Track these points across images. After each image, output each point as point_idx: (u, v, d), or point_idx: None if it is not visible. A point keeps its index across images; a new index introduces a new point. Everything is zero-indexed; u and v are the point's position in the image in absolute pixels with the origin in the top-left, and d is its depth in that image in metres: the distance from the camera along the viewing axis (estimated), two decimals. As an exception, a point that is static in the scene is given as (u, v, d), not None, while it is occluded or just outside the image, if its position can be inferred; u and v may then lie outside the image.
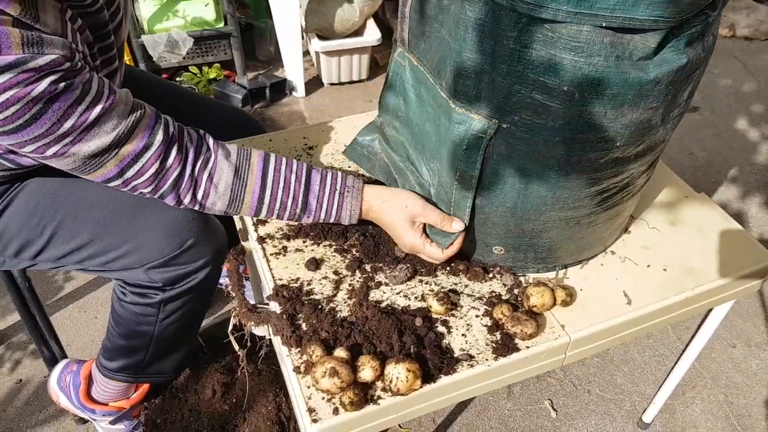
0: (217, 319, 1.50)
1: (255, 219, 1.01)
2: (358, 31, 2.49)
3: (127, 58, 2.33)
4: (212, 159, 0.86)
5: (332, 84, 2.57)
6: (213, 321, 1.48)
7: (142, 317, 1.06)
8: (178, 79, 2.49)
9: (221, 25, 2.41)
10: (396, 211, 0.90)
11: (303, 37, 2.46)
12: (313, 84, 2.57)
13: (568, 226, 0.86)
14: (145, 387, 1.27)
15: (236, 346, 1.02)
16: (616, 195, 0.85)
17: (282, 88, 2.50)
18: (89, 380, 1.23)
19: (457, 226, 0.88)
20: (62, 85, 0.72)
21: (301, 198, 0.90)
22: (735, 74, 2.56)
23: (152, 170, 0.83)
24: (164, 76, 2.49)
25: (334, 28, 2.41)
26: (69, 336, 1.60)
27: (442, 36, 0.76)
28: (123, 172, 0.82)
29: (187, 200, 0.87)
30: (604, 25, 0.62)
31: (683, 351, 1.21)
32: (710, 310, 1.07)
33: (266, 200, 0.89)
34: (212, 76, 2.49)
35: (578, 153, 0.75)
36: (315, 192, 0.91)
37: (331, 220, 0.93)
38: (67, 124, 0.74)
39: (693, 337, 1.16)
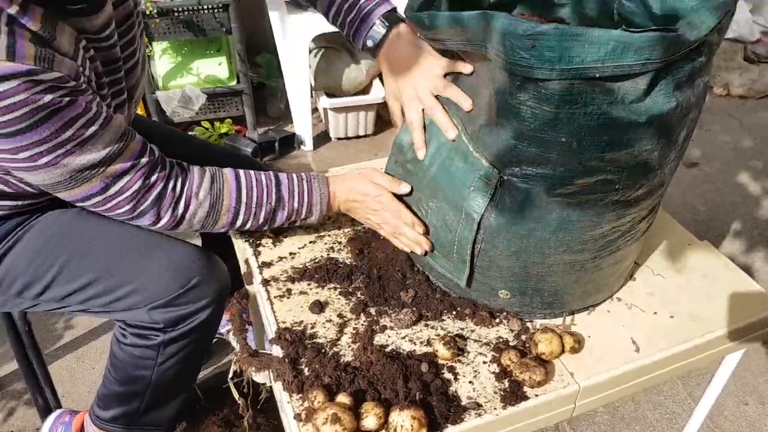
0: (216, 370, 1.47)
1: (235, 231, 1.06)
2: (365, 90, 2.57)
3: (141, 112, 2.40)
4: (190, 173, 0.93)
5: (339, 138, 2.63)
6: (211, 372, 1.45)
7: (141, 360, 1.04)
8: (190, 133, 2.56)
9: (234, 83, 2.49)
10: (355, 174, 1.02)
11: (312, 95, 2.54)
12: (321, 138, 2.63)
13: (573, 270, 0.86)
14: (139, 440, 1.23)
15: (236, 394, 1.00)
16: (619, 239, 0.85)
17: (291, 142, 2.56)
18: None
19: (405, 188, 0.96)
20: (66, 100, 0.78)
21: (274, 190, 0.97)
22: (732, 131, 2.61)
23: (135, 187, 0.87)
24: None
25: (342, 87, 2.49)
26: (65, 386, 1.57)
27: (475, 88, 0.80)
28: (107, 188, 0.86)
29: (166, 216, 0.91)
30: (596, 76, 0.64)
31: (695, 409, 1.18)
32: (720, 362, 1.05)
33: (243, 198, 0.95)
34: (224, 130, 2.55)
35: (578, 197, 0.76)
36: (285, 183, 0.98)
37: (304, 210, 0.99)
38: (64, 135, 0.79)
39: (705, 393, 1.13)
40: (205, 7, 2.26)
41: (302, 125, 2.53)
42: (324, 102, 2.44)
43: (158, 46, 2.42)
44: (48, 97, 0.76)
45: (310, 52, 2.47)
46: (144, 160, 0.88)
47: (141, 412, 1.12)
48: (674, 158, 0.79)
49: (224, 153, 1.32)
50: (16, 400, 1.55)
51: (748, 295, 0.97)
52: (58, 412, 1.28)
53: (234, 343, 1.60)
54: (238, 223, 0.97)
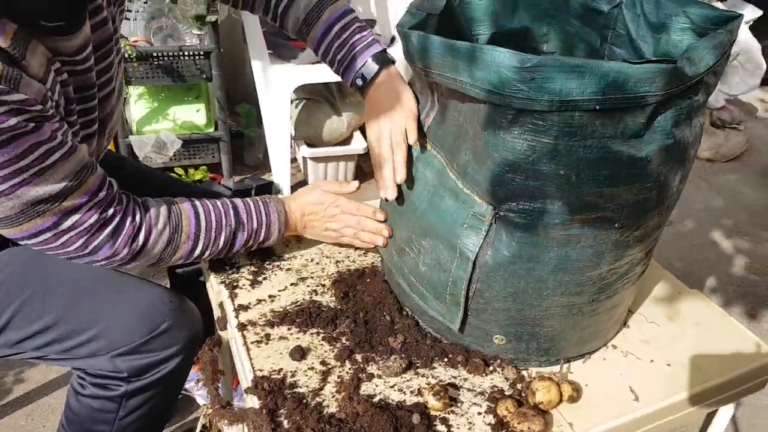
0: (182, 428, 1.37)
1: (209, 271, 1.02)
2: (345, 141, 2.58)
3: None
4: (147, 204, 0.89)
5: (316, 189, 2.60)
6: (176, 429, 1.35)
7: (100, 413, 0.96)
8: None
9: (211, 129, 2.46)
10: (304, 188, 1.04)
11: (291, 145, 2.53)
12: (299, 188, 2.60)
13: (570, 314, 0.83)
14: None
15: (207, 449, 0.92)
16: (616, 282, 0.83)
17: (268, 190, 2.51)
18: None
19: (353, 185, 1.03)
20: (31, 125, 0.73)
21: (231, 213, 0.93)
22: (702, 192, 2.69)
23: (91, 221, 0.81)
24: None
25: (323, 138, 2.49)
26: (13, 446, 1.44)
27: (460, 123, 0.77)
28: (59, 223, 0.79)
29: (124, 251, 0.85)
30: (597, 108, 0.63)
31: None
32: (709, 420, 1.02)
33: (203, 224, 0.91)
34: (198, 177, 2.50)
35: (577, 234, 0.74)
36: (241, 207, 0.95)
37: (263, 231, 0.96)
38: (23, 162, 0.73)
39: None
40: (186, 53, 2.26)
41: (281, 174, 2.50)
42: (304, 151, 2.43)
43: (135, 91, 2.40)
44: (11, 121, 0.70)
45: (292, 102, 2.48)
46: (101, 194, 0.82)
47: (97, 473, 1.02)
48: (672, 198, 0.78)
49: (205, 193, 1.27)
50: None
51: (743, 343, 0.95)
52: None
53: (199, 400, 1.51)
54: (197, 251, 0.92)
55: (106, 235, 0.83)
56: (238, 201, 0.96)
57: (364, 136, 2.53)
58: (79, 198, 0.79)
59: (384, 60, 0.99)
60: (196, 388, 1.46)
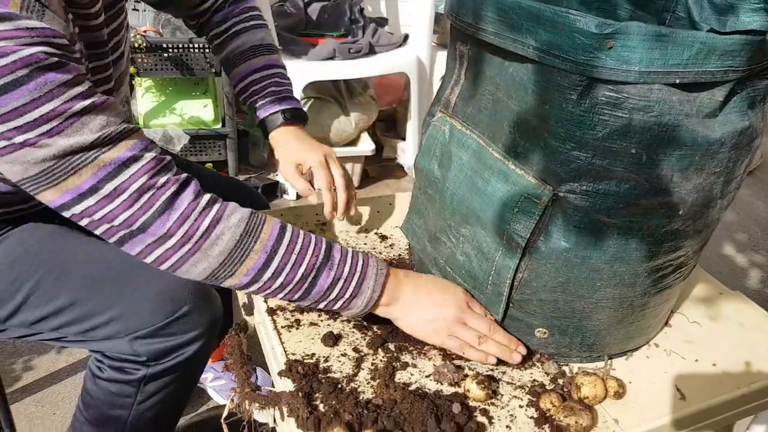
0: (194, 419, 1.32)
1: (265, 290, 0.79)
2: (352, 143, 2.55)
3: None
4: (220, 201, 0.74)
5: (323, 190, 2.57)
6: (189, 421, 1.30)
7: (118, 398, 0.91)
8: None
9: (219, 126, 2.43)
10: (434, 278, 0.86)
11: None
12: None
13: (621, 307, 0.79)
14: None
15: (230, 437, 0.87)
16: (670, 275, 0.79)
17: (274, 190, 2.48)
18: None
19: (518, 356, 0.81)
20: (55, 59, 0.63)
21: (323, 247, 0.78)
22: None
23: (137, 185, 0.68)
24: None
25: (330, 138, 2.46)
26: (22, 433, 1.38)
27: (498, 97, 0.74)
28: (99, 185, 0.67)
29: (179, 231, 0.69)
30: (677, 81, 0.60)
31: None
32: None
33: (285, 239, 0.75)
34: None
35: (640, 221, 0.70)
36: (337, 246, 0.80)
37: (354, 280, 0.78)
38: (49, 105, 0.63)
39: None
40: (196, 46, 2.23)
41: (287, 174, 2.47)
42: (312, 151, 2.39)
43: (143, 84, 2.36)
44: (32, 50, 0.60)
45: (300, 101, 2.45)
46: (149, 155, 0.70)
47: (112, 458, 0.97)
48: (733, 190, 0.75)
49: (234, 186, 1.24)
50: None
51: (788, 346, 0.92)
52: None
53: (211, 392, 1.46)
54: (269, 271, 0.74)
55: (158, 207, 0.69)
56: (336, 243, 0.81)
57: (372, 137, 2.54)
58: (121, 153, 0.68)
59: (289, 117, 1.03)
60: (208, 380, 1.41)
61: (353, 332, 0.87)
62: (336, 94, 2.47)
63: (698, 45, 0.57)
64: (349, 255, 0.80)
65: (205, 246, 0.71)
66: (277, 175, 2.54)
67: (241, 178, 2.53)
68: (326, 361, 0.81)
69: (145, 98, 2.37)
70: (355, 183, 2.58)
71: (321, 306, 0.80)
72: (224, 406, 1.02)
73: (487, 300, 0.83)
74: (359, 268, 0.79)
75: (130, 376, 0.90)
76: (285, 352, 0.82)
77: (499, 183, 0.75)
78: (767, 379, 0.85)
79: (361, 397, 0.75)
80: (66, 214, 0.70)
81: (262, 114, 1.03)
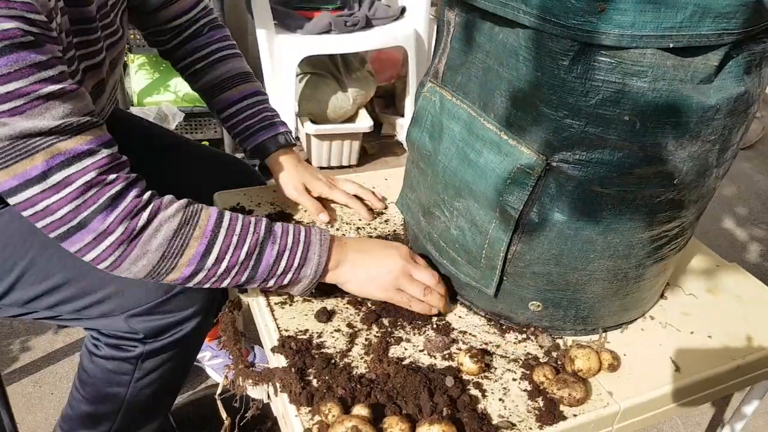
0: (191, 398, 1.33)
1: (210, 279, 0.77)
2: (350, 119, 2.52)
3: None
4: (158, 197, 0.74)
5: (322, 167, 2.55)
6: (186, 399, 1.31)
7: (115, 375, 0.91)
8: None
9: (214, 103, 2.40)
10: (379, 242, 0.87)
11: (295, 122, 2.47)
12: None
13: (615, 279, 0.78)
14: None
15: (224, 413, 0.87)
16: (665, 246, 0.78)
17: (270, 168, 2.46)
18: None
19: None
20: (31, 38, 0.62)
21: (263, 224, 0.78)
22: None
23: (86, 179, 0.67)
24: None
25: (327, 115, 2.43)
26: (21, 414, 1.39)
27: (488, 66, 0.72)
28: (49, 173, 0.65)
29: (119, 229, 0.69)
30: (671, 45, 0.58)
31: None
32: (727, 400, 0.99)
33: (224, 222, 0.75)
34: (201, 152, 2.44)
35: (634, 190, 0.69)
36: (278, 224, 0.80)
37: (299, 250, 0.78)
38: (17, 84, 0.61)
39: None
40: (191, 22, 2.19)
41: (285, 151, 2.45)
42: (308, 128, 2.37)
43: (136, 60, 2.33)
44: (8, 24, 0.59)
45: (296, 77, 2.42)
46: (105, 152, 0.69)
47: (111, 437, 0.97)
48: (729, 158, 0.73)
49: (218, 158, 1.22)
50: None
51: (785, 317, 0.92)
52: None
53: (209, 371, 1.46)
54: (212, 256, 0.73)
55: (101, 203, 0.68)
56: (275, 221, 0.81)
57: (370, 114, 2.51)
58: (78, 145, 0.67)
59: (286, 141, 1.04)
60: (206, 359, 1.41)
61: (347, 308, 0.86)
62: (333, 69, 2.43)
63: (692, 7, 0.55)
64: (291, 227, 0.80)
65: (142, 241, 0.71)
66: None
67: (238, 155, 2.51)
68: (320, 336, 0.81)
69: (138, 75, 2.34)
70: (353, 161, 2.56)
71: (271, 284, 0.78)
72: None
73: (481, 274, 0.82)
74: (302, 237, 0.79)
75: (127, 353, 0.90)
76: (278, 328, 0.81)
77: (491, 154, 0.74)
78: (763, 351, 0.85)
79: (354, 372, 0.75)
80: (11, 200, 0.68)
81: (260, 137, 1.03)
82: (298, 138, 1.12)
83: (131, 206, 0.70)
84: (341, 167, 2.54)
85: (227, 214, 0.77)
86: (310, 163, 2.55)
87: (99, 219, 0.68)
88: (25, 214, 0.69)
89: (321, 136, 2.42)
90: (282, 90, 2.28)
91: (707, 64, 0.60)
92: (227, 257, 0.74)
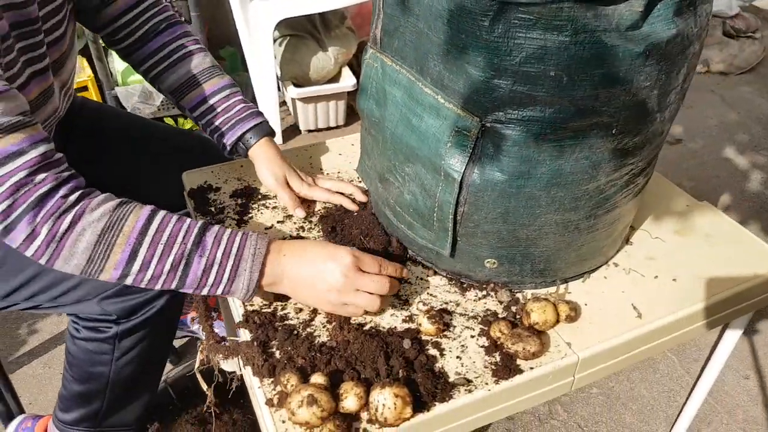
0: (188, 369, 1.38)
1: (139, 284, 0.76)
2: (334, 79, 2.49)
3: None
4: (94, 191, 0.74)
5: (309, 131, 2.54)
6: (183, 371, 1.36)
7: (96, 356, 0.95)
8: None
9: (198, 75, 2.38)
10: (318, 245, 0.79)
11: (279, 88, 2.44)
12: (291, 132, 2.54)
13: (566, 231, 0.78)
14: (108, 444, 1.13)
15: (203, 384, 0.91)
16: (615, 195, 0.78)
17: (260, 134, 2.46)
18: (44, 437, 1.10)
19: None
20: None
21: (195, 232, 0.75)
22: (714, 107, 2.58)
23: (15, 179, 0.67)
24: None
25: (310, 77, 2.40)
26: (32, 394, 1.46)
27: (419, 29, 0.70)
28: None
29: (43, 230, 0.68)
30: (590, -6, 0.56)
31: (694, 384, 1.11)
32: (721, 334, 0.99)
33: (151, 230, 0.73)
34: (187, 126, 2.44)
35: (572, 144, 0.68)
36: (214, 230, 0.77)
37: (229, 264, 0.75)
38: None
39: (704, 366, 1.07)
40: (168, -4, 2.15)
41: (270, 118, 2.42)
42: (292, 92, 2.35)
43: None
44: None
45: (275, 41, 2.38)
46: (37, 150, 0.69)
47: (103, 413, 1.03)
48: (674, 101, 0.72)
49: (199, 140, 1.22)
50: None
51: (755, 254, 0.91)
52: (20, 417, 1.20)
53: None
54: (136, 263, 0.72)
55: (29, 204, 0.68)
56: (214, 226, 0.78)
57: (353, 72, 2.47)
58: (9, 145, 0.67)
59: (266, 131, 1.03)
60: (200, 331, 1.46)
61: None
62: (311, 29, 2.39)
63: (605, -49, 0.53)
64: (225, 238, 0.76)
65: (68, 244, 0.70)
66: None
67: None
68: (283, 309, 0.83)
69: (121, 54, 2.33)
70: (341, 121, 2.54)
71: (204, 293, 0.76)
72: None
73: (436, 236, 0.82)
74: (234, 250, 0.75)
75: (103, 334, 0.94)
76: (243, 304, 0.84)
77: (431, 119, 0.73)
78: (728, 291, 0.85)
79: (316, 342, 0.77)
80: None
81: (239, 130, 1.00)
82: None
83: (56, 207, 0.70)
84: (329, 128, 2.53)
85: (157, 220, 0.74)
86: (299, 128, 2.54)
87: (27, 220, 0.68)
88: None
89: (305, 99, 2.40)
90: (261, 56, 2.25)
91: (632, 10, 0.58)
92: (152, 265, 0.73)
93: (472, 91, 0.66)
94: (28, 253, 0.71)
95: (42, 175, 0.69)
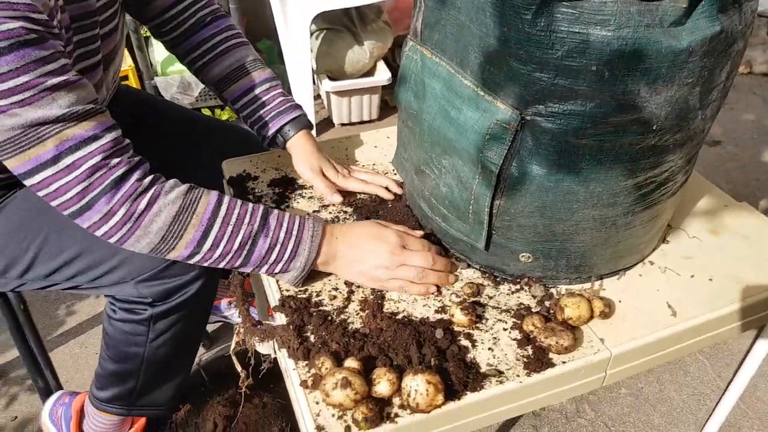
0: (221, 353, 1.42)
1: (207, 260, 0.81)
2: (369, 73, 2.50)
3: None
4: (164, 178, 0.80)
5: (343, 124, 2.56)
6: (216, 354, 1.40)
7: (132, 336, 0.98)
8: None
9: (235, 66, 2.42)
10: (366, 226, 0.87)
11: (314, 81, 2.47)
12: (324, 125, 2.56)
13: (603, 227, 0.78)
14: (141, 423, 1.18)
15: (238, 366, 0.94)
16: (654, 192, 0.77)
17: (293, 127, 2.49)
18: (81, 414, 1.14)
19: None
20: (35, 36, 0.67)
21: (260, 214, 0.81)
22: (755, 109, 2.52)
23: (92, 162, 0.73)
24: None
25: (345, 70, 2.42)
26: (69, 372, 1.52)
27: (461, 22, 0.71)
28: (59, 157, 0.72)
29: (121, 210, 0.74)
30: (633, -11, 0.57)
31: (725, 389, 1.10)
32: (755, 339, 0.98)
33: (221, 212, 0.79)
34: (224, 117, 2.49)
35: (611, 139, 0.68)
36: (275, 213, 0.82)
37: (290, 244, 0.81)
38: (24, 78, 0.67)
39: (737, 371, 1.05)
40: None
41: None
42: (326, 85, 2.37)
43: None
44: (14, 24, 0.64)
45: (312, 34, 2.41)
46: (109, 136, 0.75)
47: (138, 392, 1.06)
48: (716, 99, 0.71)
49: (235, 130, 1.25)
50: (19, 386, 1.50)
51: (793, 256, 0.89)
52: (58, 393, 1.24)
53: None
54: (207, 242, 0.78)
55: (105, 186, 0.74)
56: (273, 210, 0.83)
57: (388, 66, 2.48)
58: (84, 131, 0.73)
59: (304, 124, 1.04)
60: (234, 316, 1.50)
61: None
62: (348, 23, 2.40)
63: (653, -52, 0.53)
64: (286, 220, 0.82)
65: (144, 223, 0.76)
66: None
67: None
68: (318, 295, 0.85)
69: (160, 46, 2.37)
70: (374, 115, 2.56)
71: (263, 270, 0.82)
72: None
73: (470, 228, 0.83)
74: (295, 233, 0.81)
75: (138, 316, 0.97)
76: (279, 288, 0.86)
77: (470, 111, 0.74)
78: (765, 292, 0.84)
79: (349, 328, 0.79)
80: (27, 182, 0.74)
81: (279, 123, 1.03)
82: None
83: (132, 189, 0.75)
84: (362, 122, 2.55)
85: (225, 203, 0.80)
86: (332, 122, 2.56)
87: (103, 201, 0.74)
88: (40, 194, 0.75)
89: (340, 93, 2.42)
90: (297, 49, 2.28)
91: (676, 6, 0.58)
92: (222, 245, 0.79)
93: (513, 84, 0.67)
94: (100, 232, 0.76)
95: (116, 159, 0.75)
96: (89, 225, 0.76)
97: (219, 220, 0.79)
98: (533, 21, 0.60)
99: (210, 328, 1.56)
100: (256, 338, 0.85)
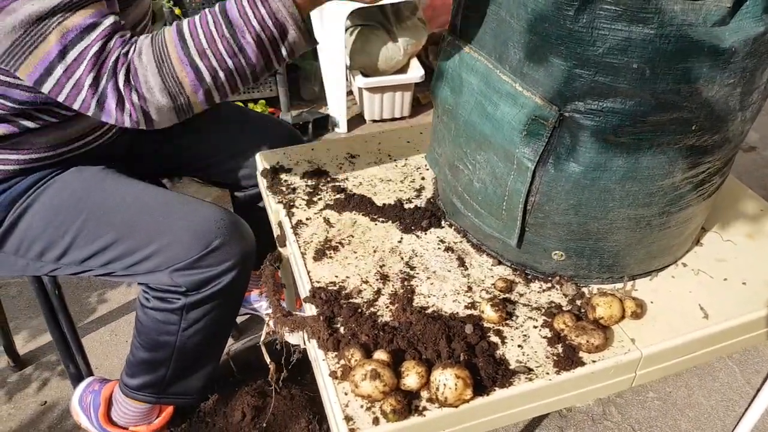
0: (249, 343, 1.44)
1: (223, 87, 0.79)
2: (402, 70, 2.50)
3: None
4: (135, 38, 0.78)
5: (374, 121, 2.57)
6: (245, 345, 1.42)
7: (164, 325, 1.01)
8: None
9: (267, 61, 2.45)
10: None
11: (347, 77, 2.48)
12: (356, 121, 2.58)
13: (638, 227, 0.78)
14: (168, 411, 1.20)
15: (267, 357, 0.95)
16: (690, 193, 0.77)
17: (324, 123, 2.51)
18: (110, 401, 1.17)
19: None
20: None
21: (219, 16, 0.75)
22: (793, 115, 2.45)
23: (95, 49, 0.74)
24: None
25: (378, 67, 2.43)
26: (98, 359, 1.55)
27: (501, 17, 0.71)
28: (65, 51, 0.73)
29: (126, 94, 0.75)
30: (678, -12, 0.56)
31: (755, 396, 1.08)
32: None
33: (187, 38, 0.75)
34: (258, 110, 2.52)
35: (650, 138, 0.68)
36: (231, 3, 0.76)
37: (270, 22, 0.75)
38: None
39: (765, 379, 1.03)
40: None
41: (336, 107, 2.48)
42: (359, 81, 2.38)
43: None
44: None
45: (346, 30, 2.42)
46: (107, 21, 0.76)
47: (168, 380, 1.09)
48: (757, 101, 0.70)
49: (262, 119, 1.27)
50: (50, 371, 1.54)
51: (832, 263, 0.88)
52: (88, 380, 1.27)
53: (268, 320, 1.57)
54: (205, 75, 0.76)
55: (109, 69, 0.74)
56: (225, 2, 0.77)
57: (422, 64, 2.49)
58: (83, 19, 0.74)
59: None
60: (263, 308, 1.52)
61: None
62: (382, 20, 2.41)
63: (699, -55, 0.53)
64: (245, 2, 0.75)
65: (145, 95, 0.76)
66: (328, 108, 2.56)
67: (294, 112, 2.57)
68: (348, 288, 0.86)
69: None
70: (406, 112, 2.56)
71: (273, 55, 0.78)
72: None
73: (503, 225, 0.83)
74: (262, 6, 0.75)
75: (172, 305, 0.99)
76: (311, 280, 0.87)
77: (507, 106, 0.74)
78: (801, 297, 0.82)
79: (379, 321, 0.80)
80: (44, 89, 0.76)
81: None
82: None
83: (123, 60, 0.75)
84: (394, 119, 2.55)
85: (186, 29, 0.76)
86: (364, 118, 2.57)
87: (112, 83, 0.75)
88: (59, 99, 0.77)
89: (372, 89, 2.43)
90: (332, 45, 2.29)
91: (720, 5, 0.58)
92: (217, 69, 0.76)
93: (553, 80, 0.67)
94: (127, 122, 0.77)
95: (112, 42, 0.76)
96: (114, 118, 0.76)
97: (193, 51, 0.75)
98: (575, 17, 0.60)
99: (239, 319, 1.58)
100: (287, 328, 0.86)
